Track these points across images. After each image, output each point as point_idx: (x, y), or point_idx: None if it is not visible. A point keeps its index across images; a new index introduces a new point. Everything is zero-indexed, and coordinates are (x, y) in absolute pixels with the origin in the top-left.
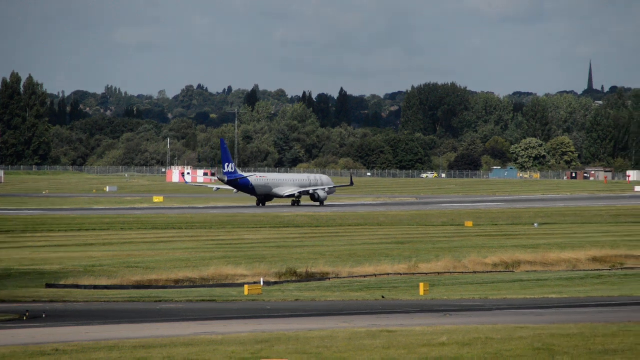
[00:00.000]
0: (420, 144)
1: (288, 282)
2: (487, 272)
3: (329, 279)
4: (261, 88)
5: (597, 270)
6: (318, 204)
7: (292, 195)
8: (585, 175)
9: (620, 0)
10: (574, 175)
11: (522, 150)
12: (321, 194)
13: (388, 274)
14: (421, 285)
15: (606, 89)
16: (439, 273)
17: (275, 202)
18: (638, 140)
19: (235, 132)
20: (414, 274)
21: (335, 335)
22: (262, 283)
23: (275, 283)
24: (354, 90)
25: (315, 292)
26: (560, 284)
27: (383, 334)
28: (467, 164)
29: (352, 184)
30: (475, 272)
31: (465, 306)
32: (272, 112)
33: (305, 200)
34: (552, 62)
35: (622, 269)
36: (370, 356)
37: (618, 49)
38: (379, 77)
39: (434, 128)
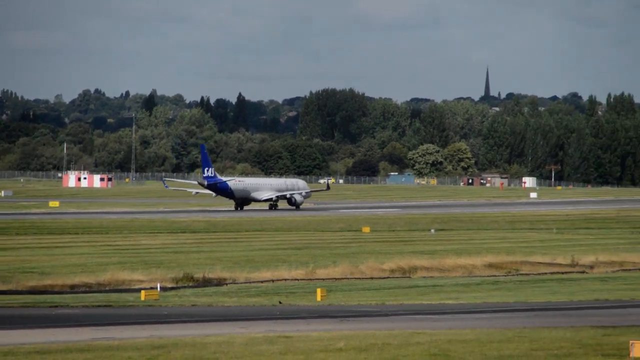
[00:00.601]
0: (318, 149)
1: (185, 287)
2: (384, 277)
3: (226, 284)
4: (159, 93)
5: (493, 276)
6: (294, 208)
7: (270, 199)
8: (482, 181)
9: (517, 6)
10: (470, 181)
11: (420, 156)
12: (298, 198)
13: (285, 280)
14: (318, 290)
15: (503, 96)
16: (336, 279)
17: (252, 205)
18: (534, 146)
19: (133, 137)
20: (311, 279)
21: (232, 341)
22: (158, 288)
23: (172, 288)
24: (252, 96)
25: (212, 298)
26: (456, 289)
27: (280, 339)
28: (365, 170)
29: (328, 188)
30: (372, 278)
31: (363, 312)
32: (170, 117)
33: (282, 205)
34: (449, 68)
35: (517, 274)
36: None
37: (515, 55)
38: (277, 83)
39: (332, 134)
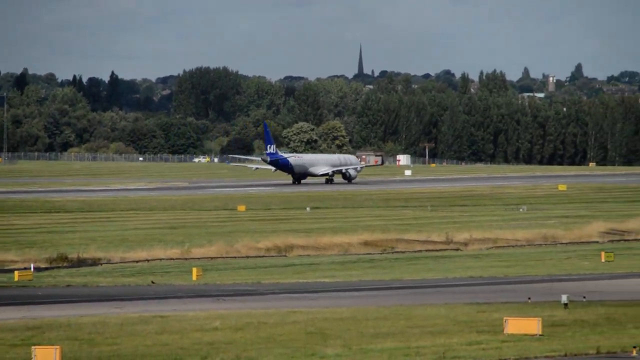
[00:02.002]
0: (193, 128)
1: (59, 267)
2: (260, 256)
3: (101, 264)
4: (30, 72)
5: (369, 254)
6: (346, 181)
7: (326, 174)
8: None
9: None
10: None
11: (294, 134)
12: (352, 172)
13: (161, 259)
14: (194, 270)
15: (376, 74)
16: (211, 258)
17: (309, 180)
18: (407, 124)
19: (4, 116)
20: (187, 258)
21: (107, 321)
22: (32, 269)
23: (46, 269)
24: (125, 74)
25: (86, 278)
26: (332, 267)
27: (156, 319)
28: (240, 148)
29: (382, 163)
30: (248, 257)
31: (239, 291)
32: (42, 96)
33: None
34: (322, 46)
35: (393, 252)
36: (143, 342)
37: (388, 33)
38: (150, 61)
39: (206, 112)
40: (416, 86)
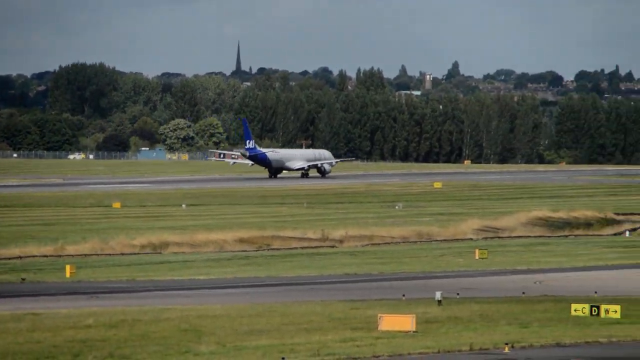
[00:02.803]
0: (68, 124)
1: None
2: (135, 253)
3: None
4: None
5: (244, 251)
6: (320, 175)
7: (302, 168)
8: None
9: None
10: (222, 156)
11: (171, 131)
12: (327, 167)
13: (34, 256)
14: (67, 267)
15: (254, 71)
16: (86, 255)
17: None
18: (285, 121)
19: None
20: (60, 255)
21: None
22: None
23: None
24: None
25: None
26: (207, 265)
27: (28, 317)
28: (116, 145)
29: (354, 159)
30: (122, 254)
31: (113, 288)
32: None
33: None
34: (200, 42)
35: (268, 249)
36: (15, 339)
37: (266, 30)
38: (25, 56)
39: (82, 108)
40: (294, 83)
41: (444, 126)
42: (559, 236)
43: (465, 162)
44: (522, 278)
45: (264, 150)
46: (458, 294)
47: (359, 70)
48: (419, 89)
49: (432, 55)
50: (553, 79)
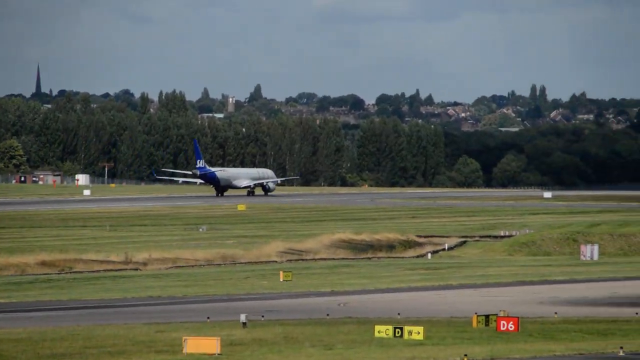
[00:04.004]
0: None
1: None
2: None
3: None
4: None
5: (47, 274)
6: (264, 193)
7: (249, 187)
8: (35, 179)
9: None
10: (23, 179)
11: None
12: (271, 185)
13: None
14: None
15: (55, 93)
16: None
17: (231, 192)
18: (87, 144)
19: None
20: None
21: None
22: None
23: None
24: None
25: None
26: (8, 288)
27: None
28: None
29: (299, 176)
30: None
31: None
32: None
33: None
34: (0, 64)
35: (71, 272)
36: None
37: (66, 52)
38: None
39: None
40: (95, 105)
41: (247, 149)
42: (362, 258)
43: None
44: (326, 300)
45: (213, 169)
46: (263, 316)
47: (161, 92)
48: (221, 112)
49: (235, 78)
50: (354, 102)
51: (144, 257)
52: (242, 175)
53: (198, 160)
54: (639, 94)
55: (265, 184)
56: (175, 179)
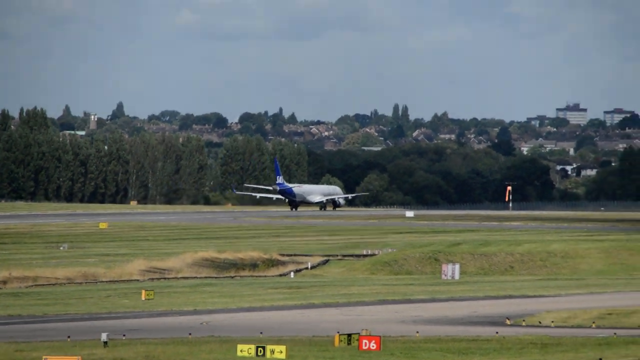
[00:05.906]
0: None
1: None
2: None
3: None
4: None
5: None
6: (332, 208)
7: (321, 202)
8: None
9: None
10: None
11: None
12: (341, 201)
13: None
14: None
15: None
16: None
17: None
18: None
19: None
20: None
21: None
22: None
23: None
24: None
25: None
26: None
27: None
28: None
29: (353, 195)
30: None
31: None
32: None
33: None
34: None
35: None
36: None
37: None
38: None
39: None
40: None
41: (110, 166)
42: (225, 277)
43: (132, 202)
44: (188, 319)
45: (291, 185)
46: (124, 335)
47: (21, 109)
48: (83, 129)
49: (97, 96)
50: (218, 121)
51: (3, 275)
52: (316, 191)
53: (278, 177)
54: (499, 114)
55: (336, 199)
56: (254, 194)
